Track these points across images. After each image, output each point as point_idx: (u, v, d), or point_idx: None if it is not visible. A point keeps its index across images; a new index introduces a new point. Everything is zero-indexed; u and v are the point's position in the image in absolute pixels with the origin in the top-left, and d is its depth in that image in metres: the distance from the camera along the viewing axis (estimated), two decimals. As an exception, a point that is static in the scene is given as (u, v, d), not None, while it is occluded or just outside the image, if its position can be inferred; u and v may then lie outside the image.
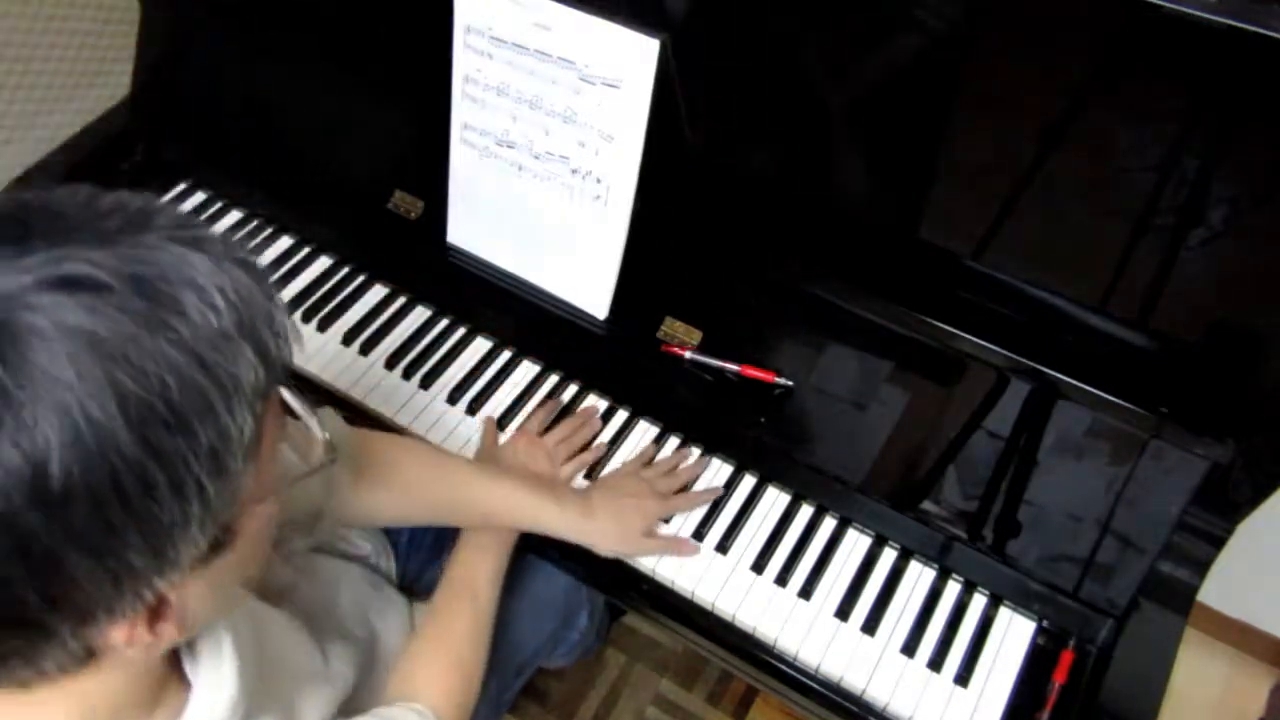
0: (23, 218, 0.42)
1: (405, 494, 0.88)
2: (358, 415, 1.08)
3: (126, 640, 0.45)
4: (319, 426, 0.57)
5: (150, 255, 0.42)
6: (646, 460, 1.02)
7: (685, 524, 0.97)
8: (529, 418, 1.04)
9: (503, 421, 1.05)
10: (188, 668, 0.56)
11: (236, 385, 0.43)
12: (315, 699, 0.71)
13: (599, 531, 0.91)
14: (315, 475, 0.57)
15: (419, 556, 1.08)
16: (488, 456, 1.00)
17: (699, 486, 1.00)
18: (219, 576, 0.49)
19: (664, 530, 0.96)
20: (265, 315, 0.45)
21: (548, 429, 1.04)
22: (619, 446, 1.03)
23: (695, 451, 1.03)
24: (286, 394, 0.53)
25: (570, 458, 1.01)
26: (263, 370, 0.44)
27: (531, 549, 1.02)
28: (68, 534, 0.39)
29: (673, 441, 1.04)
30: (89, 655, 0.46)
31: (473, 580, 0.88)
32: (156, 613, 0.46)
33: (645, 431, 1.05)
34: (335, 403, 1.08)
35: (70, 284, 0.39)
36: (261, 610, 0.71)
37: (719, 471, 1.01)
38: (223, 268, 0.44)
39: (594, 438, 1.04)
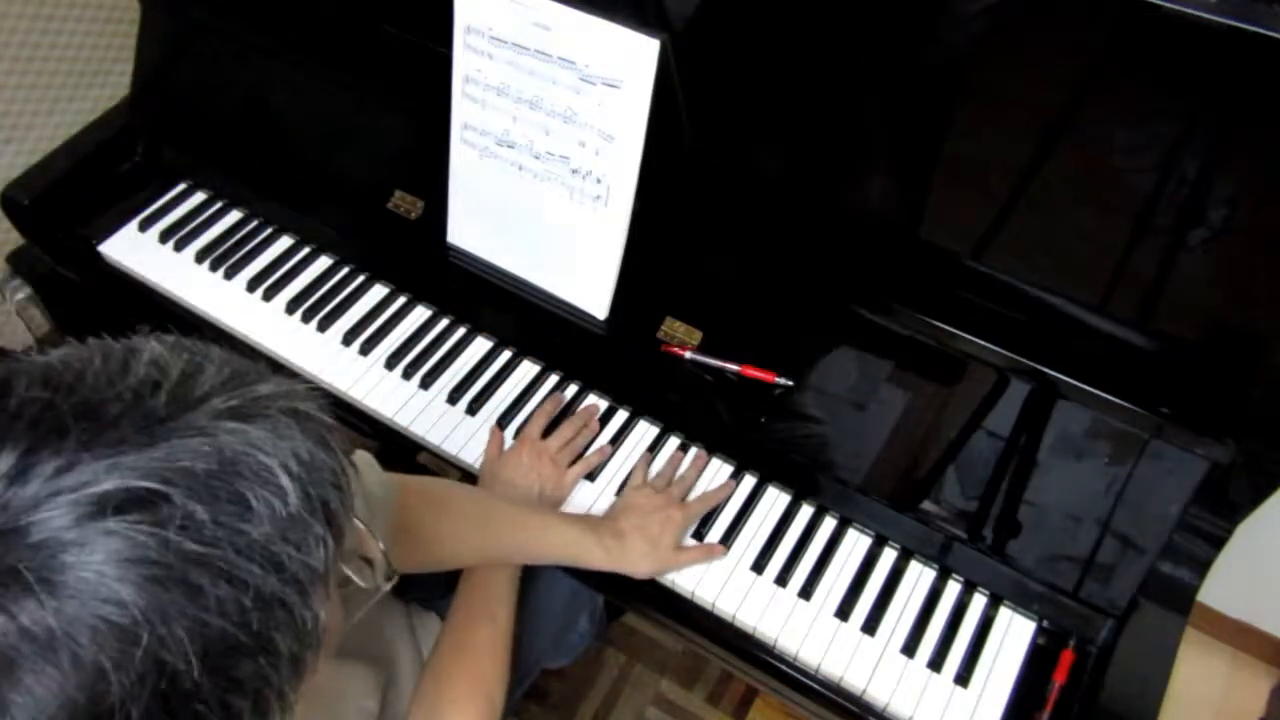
0: (58, 414, 0.37)
1: (444, 544, 0.87)
2: (358, 415, 1.08)
3: None
4: (380, 551, 0.52)
5: (206, 445, 0.38)
6: (646, 470, 1.01)
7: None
8: (530, 422, 1.04)
9: (503, 421, 1.05)
10: None
11: (312, 574, 0.40)
12: None
13: (636, 557, 0.91)
14: (376, 598, 0.52)
15: None
16: (491, 466, 1.00)
17: (703, 484, 1.00)
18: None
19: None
20: (329, 474, 0.42)
21: (549, 431, 1.03)
22: (619, 446, 1.03)
23: (692, 450, 1.03)
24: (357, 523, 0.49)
25: (574, 461, 1.01)
26: (332, 538, 0.41)
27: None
28: None
29: (672, 441, 1.04)
30: None
31: (489, 598, 0.88)
32: None
33: (645, 431, 1.05)
34: (336, 402, 1.08)
35: (124, 505, 0.35)
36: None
37: (719, 471, 1.01)
38: (282, 434, 0.40)
39: (594, 440, 1.04)
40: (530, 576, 1.08)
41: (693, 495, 0.98)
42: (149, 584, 0.35)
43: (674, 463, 1.01)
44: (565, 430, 1.02)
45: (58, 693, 0.33)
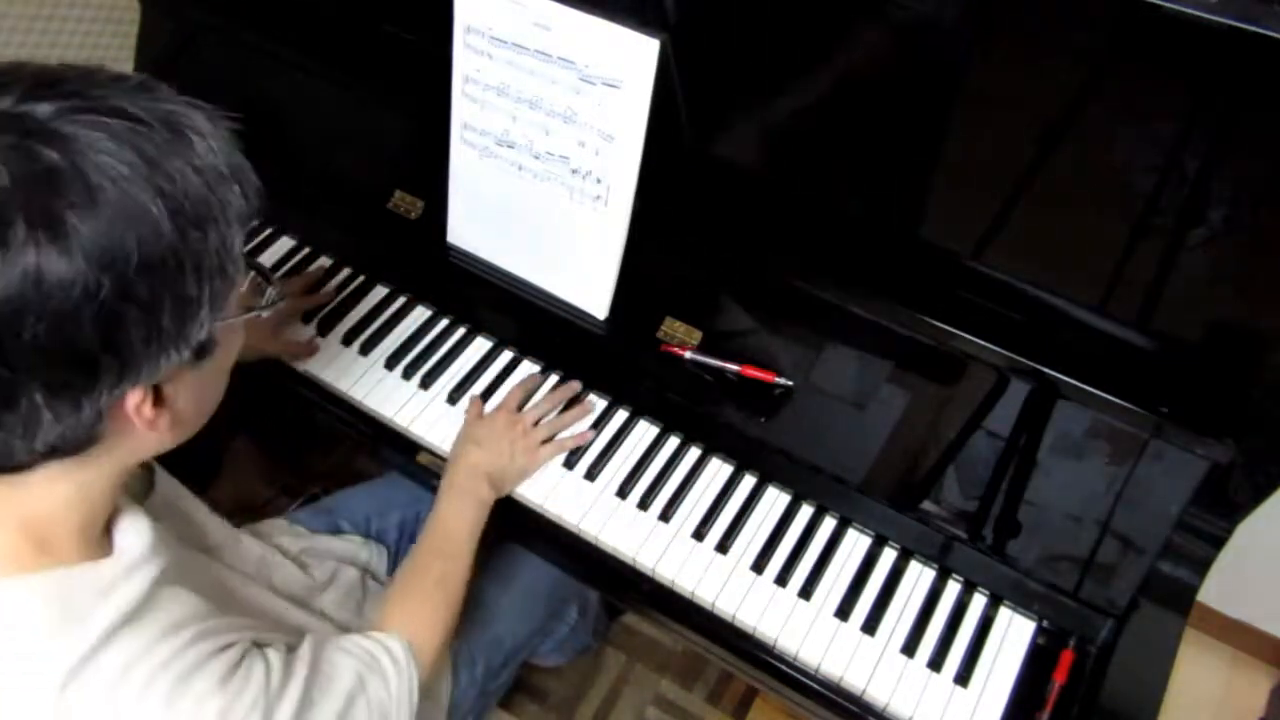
0: (56, 71, 0.53)
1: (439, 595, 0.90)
2: (358, 415, 1.08)
3: (136, 408, 0.56)
4: (271, 289, 0.70)
5: (163, 105, 0.54)
6: (525, 392, 1.05)
7: (685, 524, 0.97)
8: (507, 395, 1.05)
9: (503, 421, 1.05)
10: (117, 538, 0.63)
11: (230, 209, 0.56)
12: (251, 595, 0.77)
13: (503, 482, 0.97)
14: (267, 309, 0.68)
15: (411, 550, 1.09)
16: (466, 430, 1.01)
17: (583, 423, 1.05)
18: (200, 382, 0.61)
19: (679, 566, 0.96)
20: (242, 165, 0.58)
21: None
22: (619, 446, 1.03)
23: (675, 441, 1.04)
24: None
25: (550, 438, 1.02)
26: (244, 203, 0.57)
27: (520, 541, 1.03)
28: (126, 293, 0.50)
29: (671, 441, 1.04)
30: (96, 422, 0.55)
31: (448, 534, 0.92)
32: (158, 397, 0.57)
33: (645, 431, 1.05)
34: (336, 403, 1.08)
35: (114, 112, 0.51)
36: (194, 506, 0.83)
37: (719, 471, 1.01)
38: (216, 125, 0.57)
39: (576, 417, 1.04)
40: (513, 561, 1.09)
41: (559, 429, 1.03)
42: (129, 152, 0.51)
43: (524, 387, 1.05)
44: (543, 404, 1.04)
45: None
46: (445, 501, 0.94)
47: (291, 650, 0.68)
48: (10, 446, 0.54)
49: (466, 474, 0.95)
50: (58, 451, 0.56)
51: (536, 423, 1.02)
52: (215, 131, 0.57)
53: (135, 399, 0.56)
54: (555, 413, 1.04)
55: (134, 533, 0.63)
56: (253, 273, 0.66)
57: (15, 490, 0.57)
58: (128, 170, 0.50)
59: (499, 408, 1.03)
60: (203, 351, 0.58)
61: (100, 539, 0.62)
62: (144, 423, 0.57)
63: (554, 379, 1.09)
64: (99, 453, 0.58)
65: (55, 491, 0.58)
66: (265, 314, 0.67)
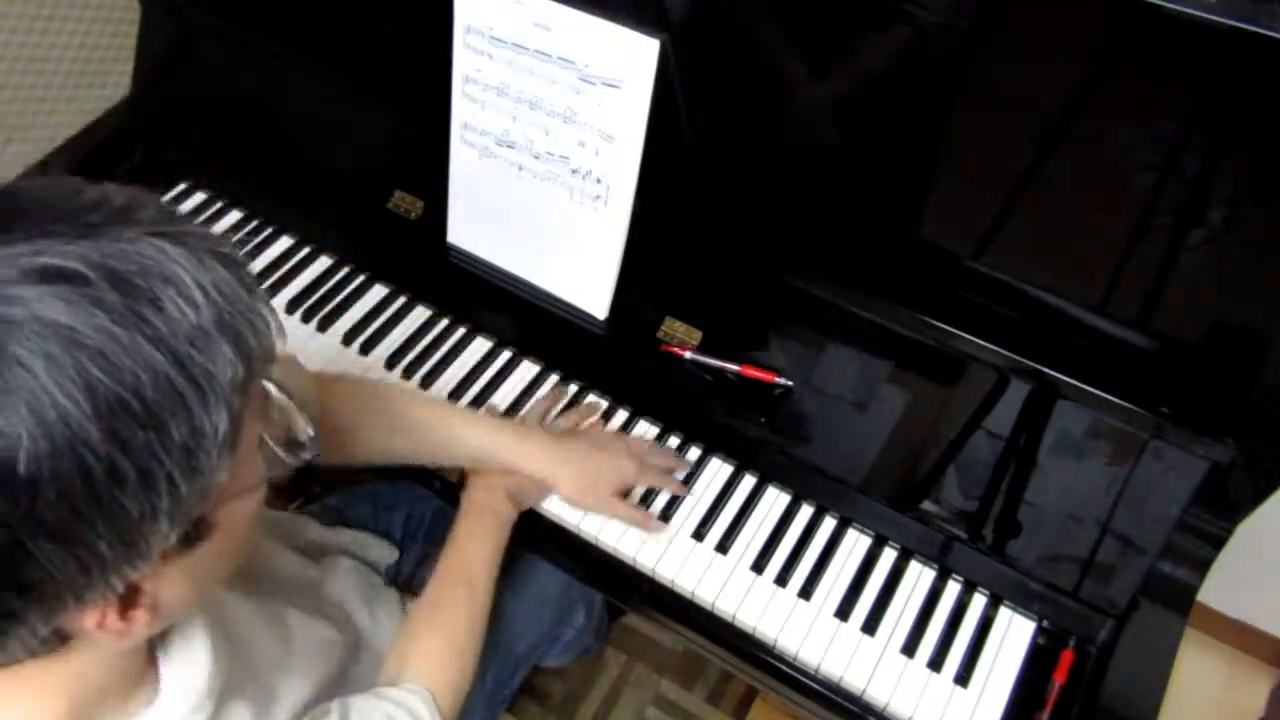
0: (8, 206, 0.42)
1: (366, 437, 0.88)
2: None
3: (98, 625, 0.46)
4: (304, 422, 0.57)
5: (130, 250, 0.42)
6: (546, 406, 1.04)
7: (685, 523, 0.97)
8: (531, 408, 1.04)
9: (503, 421, 1.05)
10: (160, 656, 0.57)
11: (213, 382, 0.43)
12: (290, 685, 0.72)
13: (564, 473, 0.93)
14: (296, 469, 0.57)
15: (415, 549, 1.09)
16: None
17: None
18: (197, 568, 0.50)
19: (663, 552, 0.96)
20: (246, 310, 0.45)
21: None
22: (619, 446, 1.03)
23: (675, 441, 1.03)
24: (270, 387, 0.53)
25: None
26: (242, 367, 0.45)
27: (529, 546, 1.02)
28: (35, 522, 0.40)
29: (672, 441, 1.04)
30: (60, 640, 0.46)
31: (468, 567, 0.89)
32: (129, 600, 0.47)
33: (645, 431, 1.05)
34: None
35: (48, 275, 0.40)
36: (230, 598, 0.72)
37: (719, 471, 1.01)
38: (204, 263, 0.44)
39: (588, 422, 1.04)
40: (524, 567, 1.08)
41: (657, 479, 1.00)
42: (55, 340, 0.39)
43: (659, 446, 1.02)
44: (572, 416, 1.03)
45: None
46: (464, 524, 0.91)
47: None
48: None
49: (487, 492, 0.93)
50: (21, 660, 0.46)
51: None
52: (203, 274, 0.44)
53: (92, 619, 0.45)
54: (578, 421, 1.03)
55: (186, 675, 0.56)
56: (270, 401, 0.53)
57: (15, 685, 0.49)
58: (42, 364, 0.39)
59: (521, 418, 1.02)
60: (191, 540, 0.47)
61: (141, 674, 0.55)
62: (113, 634, 0.47)
63: (570, 393, 1.09)
64: (75, 650, 0.48)
65: (57, 683, 0.50)
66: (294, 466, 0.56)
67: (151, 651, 0.58)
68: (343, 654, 0.83)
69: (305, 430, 0.57)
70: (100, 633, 0.46)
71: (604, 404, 1.07)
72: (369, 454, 0.90)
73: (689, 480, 1.00)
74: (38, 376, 0.39)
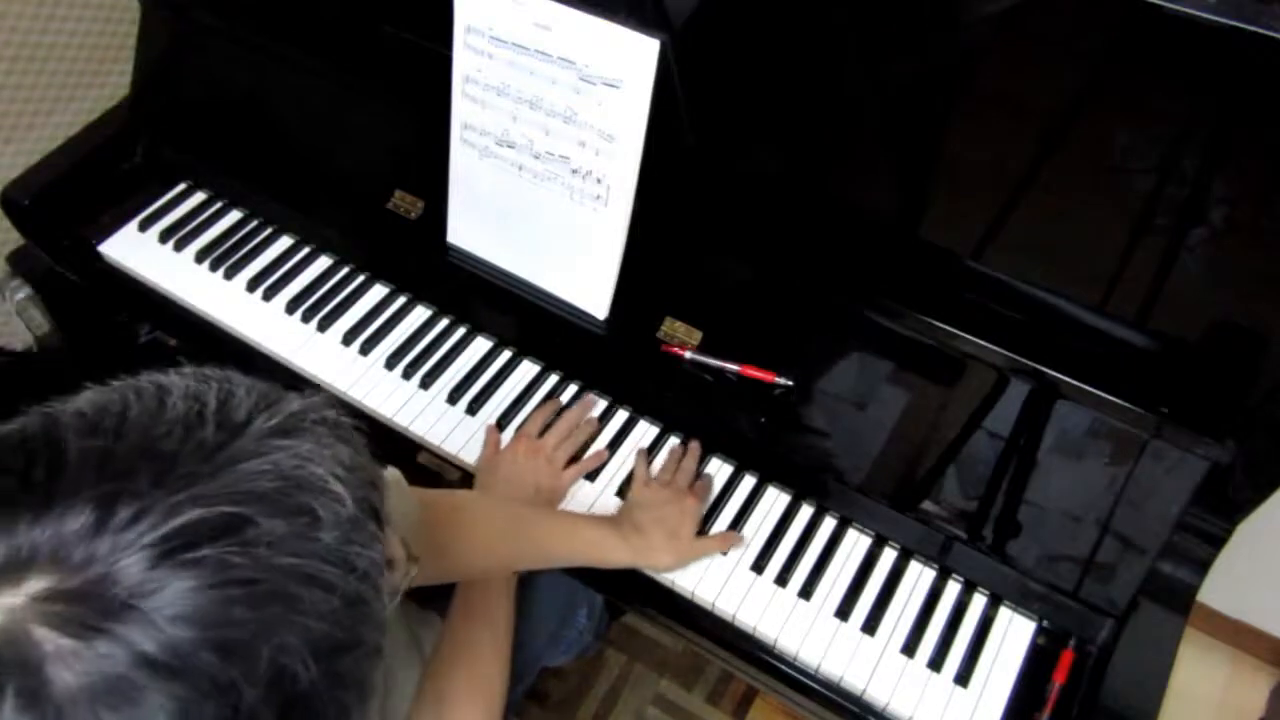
0: (118, 458, 0.39)
1: (471, 558, 0.86)
2: (358, 416, 1.07)
3: None
4: (399, 546, 0.55)
5: (264, 465, 0.40)
6: (646, 466, 1.01)
7: (685, 524, 0.97)
8: (527, 421, 1.04)
9: (502, 421, 1.05)
10: None
11: (377, 569, 0.43)
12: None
13: (659, 550, 0.91)
14: (402, 588, 0.55)
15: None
16: (487, 465, 1.00)
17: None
18: None
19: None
20: (367, 475, 0.45)
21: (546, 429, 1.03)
22: (619, 446, 1.03)
23: (675, 441, 1.03)
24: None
25: (572, 459, 1.01)
26: (380, 532, 0.44)
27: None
28: None
29: (672, 441, 1.04)
30: None
31: (488, 600, 0.89)
32: None
33: (645, 431, 1.05)
34: (336, 402, 1.07)
35: (212, 535, 0.37)
36: None
37: (719, 471, 1.01)
38: (323, 444, 0.43)
39: (592, 438, 1.04)
40: (528, 576, 1.08)
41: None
42: (256, 600, 0.37)
43: (674, 455, 1.01)
44: (561, 426, 1.02)
45: (185, 711, 0.35)
46: None
47: None
48: None
49: None
50: None
51: (557, 447, 1.00)
52: (330, 456, 0.43)
53: None
54: (572, 435, 1.02)
55: None
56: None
57: None
58: (244, 636, 0.37)
59: (519, 435, 1.02)
60: None
61: None
62: None
63: (569, 392, 1.08)
64: None
65: None
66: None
67: None
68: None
69: (399, 549, 0.55)
70: None
71: (601, 406, 1.07)
72: (474, 572, 0.89)
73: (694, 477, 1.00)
74: (254, 645, 0.37)
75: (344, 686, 0.40)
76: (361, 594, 0.41)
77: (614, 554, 0.90)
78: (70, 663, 0.34)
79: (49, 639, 0.34)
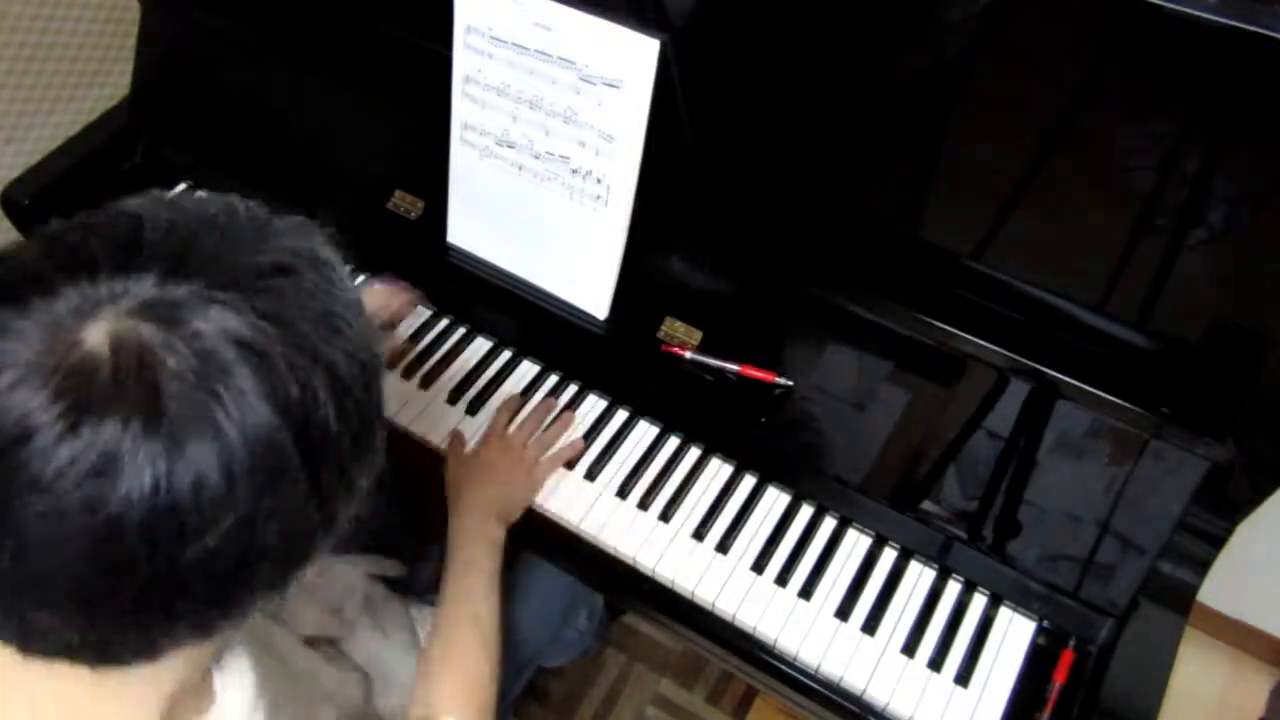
0: (184, 234, 0.46)
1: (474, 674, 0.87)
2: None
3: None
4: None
5: (287, 243, 0.50)
6: (509, 413, 1.03)
7: (685, 523, 0.97)
8: (494, 420, 1.03)
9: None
10: (216, 678, 0.59)
11: (376, 359, 0.50)
12: (327, 714, 0.72)
13: (512, 508, 0.95)
14: None
15: (410, 548, 1.09)
16: (459, 463, 0.99)
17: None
18: None
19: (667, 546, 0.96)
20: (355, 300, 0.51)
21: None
22: (619, 447, 1.03)
23: (719, 481, 1.01)
24: None
25: (544, 452, 1.00)
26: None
27: (534, 550, 1.02)
28: (313, 483, 0.44)
29: (671, 441, 1.04)
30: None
31: (471, 599, 0.88)
32: None
33: (645, 431, 1.05)
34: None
35: (278, 271, 0.46)
36: (279, 634, 0.73)
37: (719, 471, 1.01)
38: (330, 258, 0.52)
39: (562, 430, 1.03)
40: (528, 573, 1.08)
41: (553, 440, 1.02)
42: (315, 318, 0.45)
43: (507, 408, 1.04)
44: (529, 423, 1.02)
45: (267, 393, 0.42)
46: (459, 555, 0.91)
47: None
48: (158, 646, 0.46)
49: (473, 518, 0.92)
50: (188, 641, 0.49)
51: (526, 442, 1.00)
52: (336, 263, 0.51)
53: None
54: (541, 429, 1.03)
55: (237, 684, 0.58)
56: None
57: (124, 682, 0.50)
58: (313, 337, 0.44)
59: (487, 435, 1.01)
60: None
61: (201, 685, 0.57)
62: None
63: (570, 392, 1.09)
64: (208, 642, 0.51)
65: (176, 667, 0.52)
66: None
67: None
68: (363, 682, 0.84)
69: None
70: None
71: (601, 406, 1.07)
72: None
73: (691, 479, 1.00)
74: (317, 351, 0.45)
75: (365, 412, 0.47)
76: (368, 360, 0.48)
77: (497, 542, 0.93)
78: (175, 346, 0.41)
79: (149, 332, 0.41)
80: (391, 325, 1.09)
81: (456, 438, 1.02)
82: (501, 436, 1.01)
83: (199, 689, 0.57)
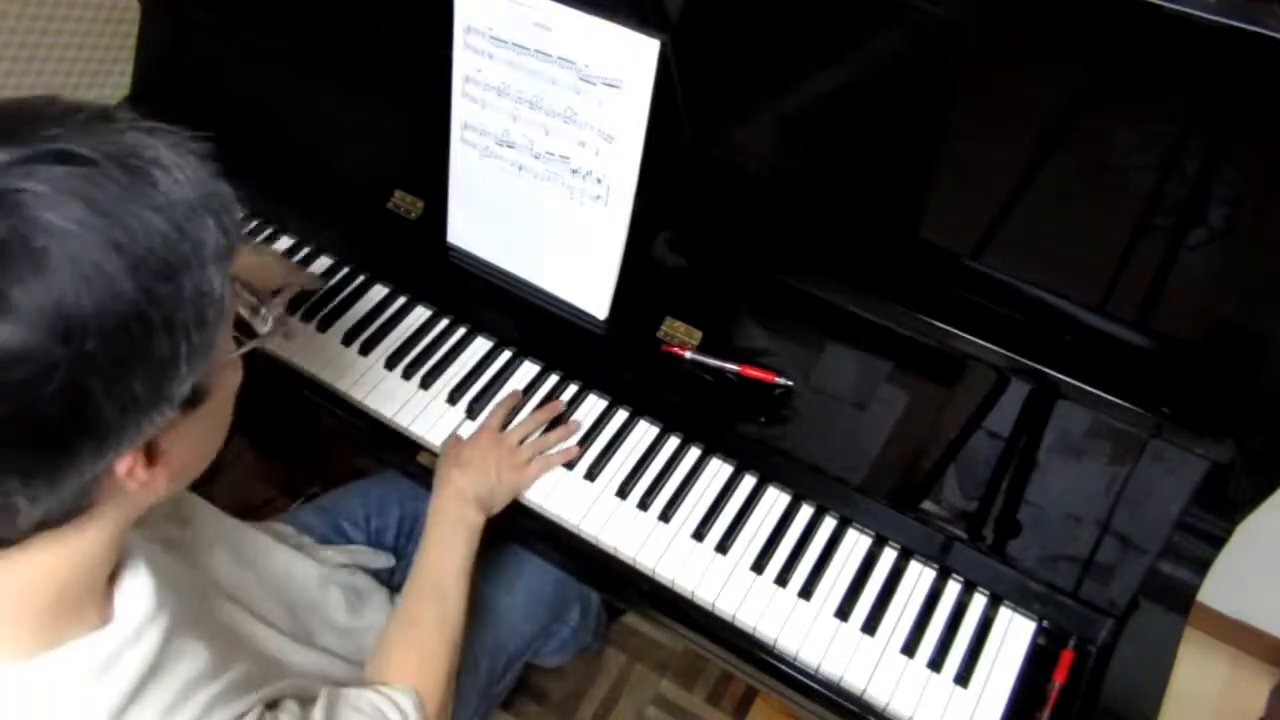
0: (7, 118, 0.48)
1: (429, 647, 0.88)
2: (358, 415, 1.08)
3: (128, 472, 0.52)
4: (266, 311, 0.67)
5: (121, 139, 0.49)
6: (508, 410, 1.03)
7: (685, 523, 0.97)
8: (491, 413, 1.04)
9: (503, 423, 1.05)
10: (115, 590, 0.60)
11: (205, 249, 0.51)
12: (292, 663, 0.75)
13: (494, 501, 0.95)
14: (267, 339, 0.66)
15: (410, 550, 1.09)
16: (449, 455, 0.99)
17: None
18: (197, 430, 0.58)
19: (637, 521, 0.97)
20: (219, 193, 0.53)
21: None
22: (619, 447, 1.03)
23: (719, 481, 1.01)
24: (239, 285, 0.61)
25: (536, 454, 1.00)
26: (223, 238, 0.52)
27: (523, 543, 1.02)
28: (86, 364, 0.46)
29: (671, 441, 1.04)
30: (89, 498, 0.52)
31: (439, 574, 0.89)
32: (150, 455, 0.54)
33: (645, 431, 1.05)
34: (336, 402, 1.08)
35: (63, 157, 0.47)
36: (263, 541, 0.79)
37: (719, 471, 1.01)
38: (181, 151, 0.52)
39: (564, 435, 1.03)
40: (516, 563, 1.08)
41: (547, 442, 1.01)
42: (80, 207, 0.46)
43: (505, 405, 1.04)
44: (527, 424, 1.02)
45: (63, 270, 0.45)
46: (434, 533, 0.92)
47: (304, 707, 0.67)
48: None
49: (455, 500, 0.93)
50: (46, 525, 0.52)
51: (521, 441, 1.00)
52: (181, 161, 0.51)
53: (124, 465, 0.52)
54: (539, 431, 1.03)
55: (135, 590, 0.60)
56: (245, 294, 0.63)
57: (4, 565, 0.53)
58: (76, 227, 0.45)
59: (481, 428, 1.01)
60: (195, 400, 0.55)
61: (102, 599, 0.59)
62: (138, 484, 0.54)
63: (570, 392, 1.09)
64: (95, 515, 0.54)
65: (49, 562, 0.54)
66: (264, 343, 0.64)
67: (110, 587, 0.61)
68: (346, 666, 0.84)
69: (268, 317, 0.67)
70: (129, 481, 0.53)
71: (601, 406, 1.07)
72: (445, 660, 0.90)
73: (691, 479, 1.00)
74: (73, 238, 0.45)
75: (152, 302, 0.48)
76: (183, 250, 0.49)
77: (474, 531, 0.93)
78: None
79: None
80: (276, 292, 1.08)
81: (455, 437, 1.03)
82: (494, 430, 1.01)
83: (96, 602, 0.58)
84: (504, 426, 1.02)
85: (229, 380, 0.60)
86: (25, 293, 0.44)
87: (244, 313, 0.65)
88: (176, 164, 0.51)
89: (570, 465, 1.02)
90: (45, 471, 0.49)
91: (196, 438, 0.59)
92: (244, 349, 0.61)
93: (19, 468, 0.48)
